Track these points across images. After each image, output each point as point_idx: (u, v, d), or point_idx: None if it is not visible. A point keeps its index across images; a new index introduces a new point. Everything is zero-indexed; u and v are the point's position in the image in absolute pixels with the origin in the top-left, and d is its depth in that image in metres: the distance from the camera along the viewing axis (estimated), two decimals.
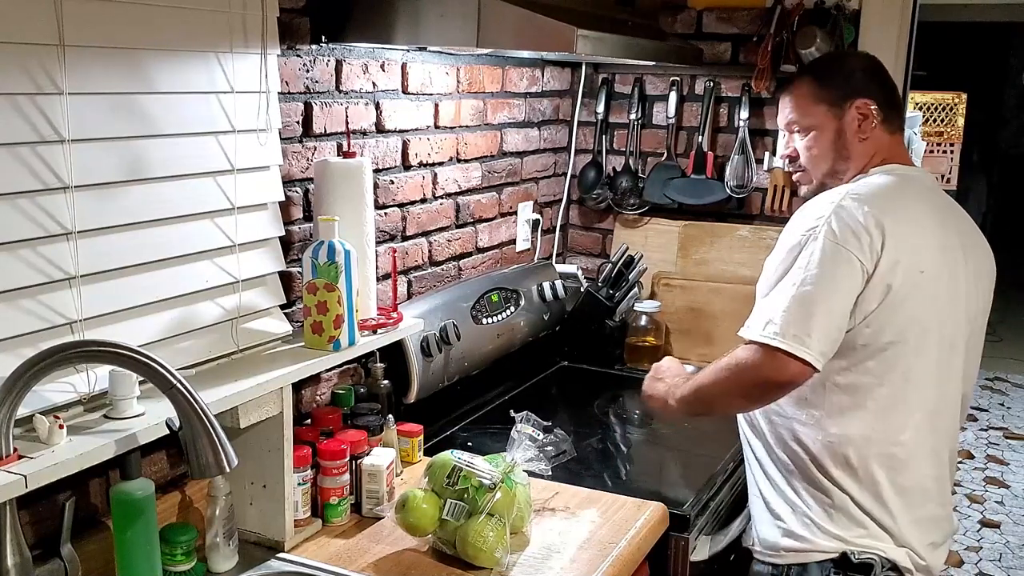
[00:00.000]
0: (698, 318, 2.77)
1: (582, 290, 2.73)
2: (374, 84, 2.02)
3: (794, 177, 1.94)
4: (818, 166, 1.86)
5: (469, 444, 2.14)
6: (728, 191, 2.74)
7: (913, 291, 1.66)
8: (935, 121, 7.18)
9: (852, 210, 1.65)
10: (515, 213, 2.68)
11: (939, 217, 1.77)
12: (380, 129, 2.06)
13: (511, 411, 1.79)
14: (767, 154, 2.72)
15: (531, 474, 1.70)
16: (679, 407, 1.83)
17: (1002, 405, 5.68)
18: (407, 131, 2.15)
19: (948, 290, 1.73)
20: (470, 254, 2.49)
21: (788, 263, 1.67)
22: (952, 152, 7.13)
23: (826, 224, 1.64)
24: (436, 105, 2.24)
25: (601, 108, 2.88)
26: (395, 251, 2.11)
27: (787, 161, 1.95)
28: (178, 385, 1.25)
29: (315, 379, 1.93)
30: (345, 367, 1.98)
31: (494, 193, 2.56)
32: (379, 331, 1.81)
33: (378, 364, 2.01)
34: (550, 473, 1.73)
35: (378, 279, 1.96)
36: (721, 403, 1.79)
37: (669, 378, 1.90)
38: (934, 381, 1.73)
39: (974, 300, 1.81)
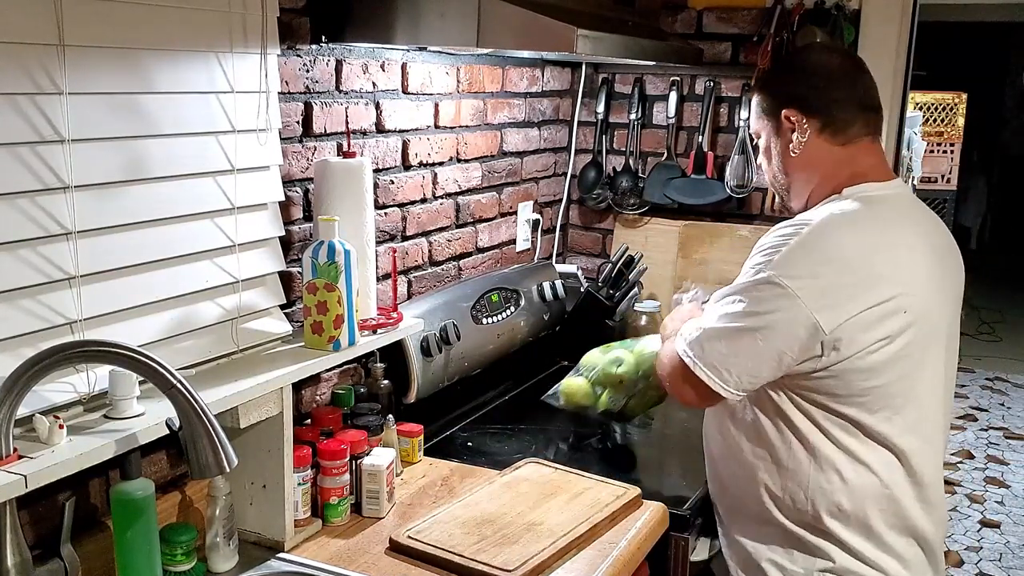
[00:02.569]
0: None
1: (582, 290, 2.73)
2: (374, 84, 2.02)
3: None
4: (774, 182, 1.76)
5: (469, 444, 2.15)
6: (728, 191, 2.74)
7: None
8: (935, 121, 7.19)
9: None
10: (515, 213, 2.68)
11: (911, 240, 1.63)
12: (380, 129, 2.06)
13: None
14: None
15: None
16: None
17: (1002, 405, 5.68)
18: (407, 131, 2.15)
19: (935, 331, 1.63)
20: (470, 254, 2.49)
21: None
22: (952, 152, 7.14)
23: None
24: (436, 105, 2.24)
25: (601, 108, 2.88)
26: (395, 251, 2.11)
27: None
28: (178, 385, 1.25)
29: (315, 379, 1.94)
30: (345, 367, 1.98)
31: (494, 193, 2.56)
32: (379, 331, 1.81)
33: (378, 364, 2.01)
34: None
35: (378, 279, 1.96)
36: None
37: (671, 323, 1.86)
38: None
39: (955, 329, 1.71)
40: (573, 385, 2.15)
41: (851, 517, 1.61)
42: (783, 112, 1.67)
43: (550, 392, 2.19)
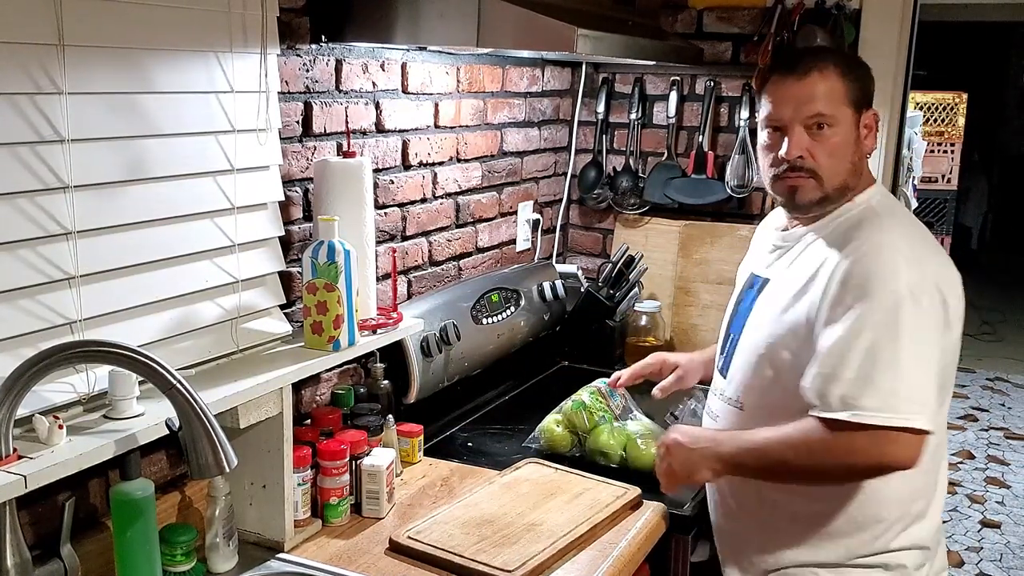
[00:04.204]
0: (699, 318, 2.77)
1: (582, 290, 2.73)
2: (374, 84, 2.01)
3: (792, 182, 1.65)
4: (836, 174, 1.63)
5: (469, 444, 2.15)
6: (728, 191, 2.74)
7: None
8: (935, 121, 7.19)
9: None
10: (515, 213, 2.68)
11: None
12: (380, 129, 2.06)
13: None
14: None
15: None
16: (728, 469, 1.64)
17: (1002, 405, 5.68)
18: (407, 131, 2.15)
19: None
20: (470, 254, 2.49)
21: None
22: (952, 152, 7.14)
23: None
24: (436, 105, 2.24)
25: (601, 108, 2.88)
26: (395, 251, 2.10)
27: (783, 165, 1.64)
28: (178, 385, 1.25)
29: (315, 379, 1.93)
30: (345, 367, 1.98)
31: (494, 193, 2.56)
32: (379, 331, 1.81)
33: (378, 364, 2.01)
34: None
35: (378, 279, 1.96)
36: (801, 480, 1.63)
37: (693, 444, 1.66)
38: None
39: None
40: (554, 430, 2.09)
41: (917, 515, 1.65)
42: (871, 111, 1.66)
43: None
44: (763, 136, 1.69)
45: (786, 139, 1.63)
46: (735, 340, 1.75)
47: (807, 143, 1.62)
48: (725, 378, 1.77)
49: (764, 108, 1.68)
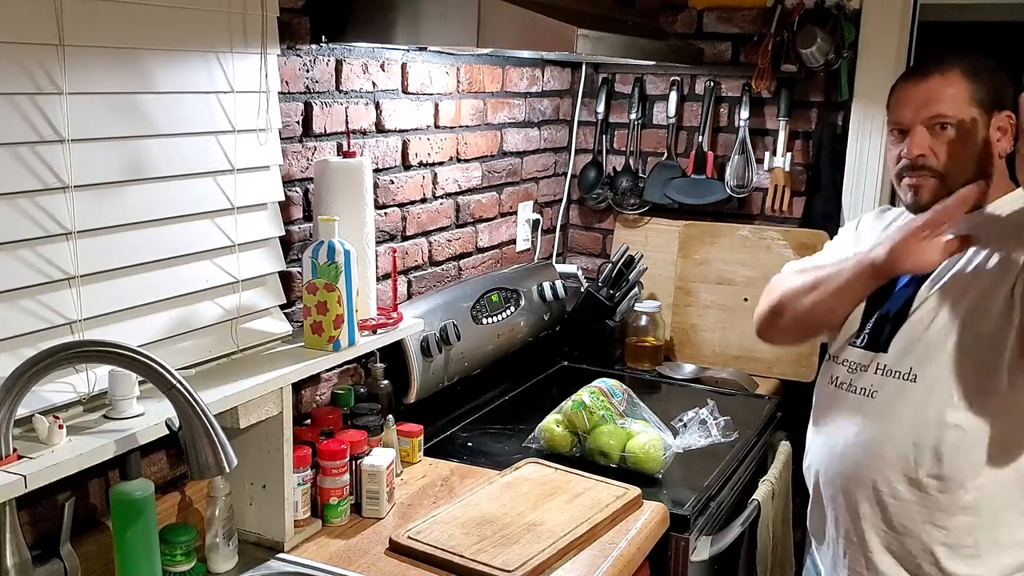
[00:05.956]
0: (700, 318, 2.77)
1: (582, 290, 2.73)
2: (374, 84, 2.01)
3: (912, 181, 1.66)
4: (959, 175, 1.61)
5: (469, 444, 2.15)
6: (728, 191, 2.74)
7: None
8: None
9: None
10: (515, 213, 2.68)
11: None
12: (380, 129, 2.06)
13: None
14: (767, 154, 2.72)
15: None
16: None
17: None
18: (407, 131, 2.15)
19: None
20: (470, 254, 2.49)
21: None
22: None
23: None
24: (436, 105, 2.24)
25: (601, 108, 2.88)
26: (395, 251, 2.10)
27: (903, 164, 1.66)
28: (178, 385, 1.25)
29: (315, 379, 1.93)
30: (345, 367, 1.98)
31: (494, 193, 2.56)
32: (379, 331, 1.81)
33: (378, 364, 2.01)
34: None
35: (378, 279, 1.96)
36: None
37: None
38: None
39: None
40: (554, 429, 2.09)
41: None
42: (1003, 113, 1.64)
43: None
44: (889, 139, 1.72)
45: (907, 139, 1.65)
46: (898, 315, 1.70)
47: (929, 142, 1.63)
48: (887, 352, 1.69)
49: (890, 113, 1.71)
